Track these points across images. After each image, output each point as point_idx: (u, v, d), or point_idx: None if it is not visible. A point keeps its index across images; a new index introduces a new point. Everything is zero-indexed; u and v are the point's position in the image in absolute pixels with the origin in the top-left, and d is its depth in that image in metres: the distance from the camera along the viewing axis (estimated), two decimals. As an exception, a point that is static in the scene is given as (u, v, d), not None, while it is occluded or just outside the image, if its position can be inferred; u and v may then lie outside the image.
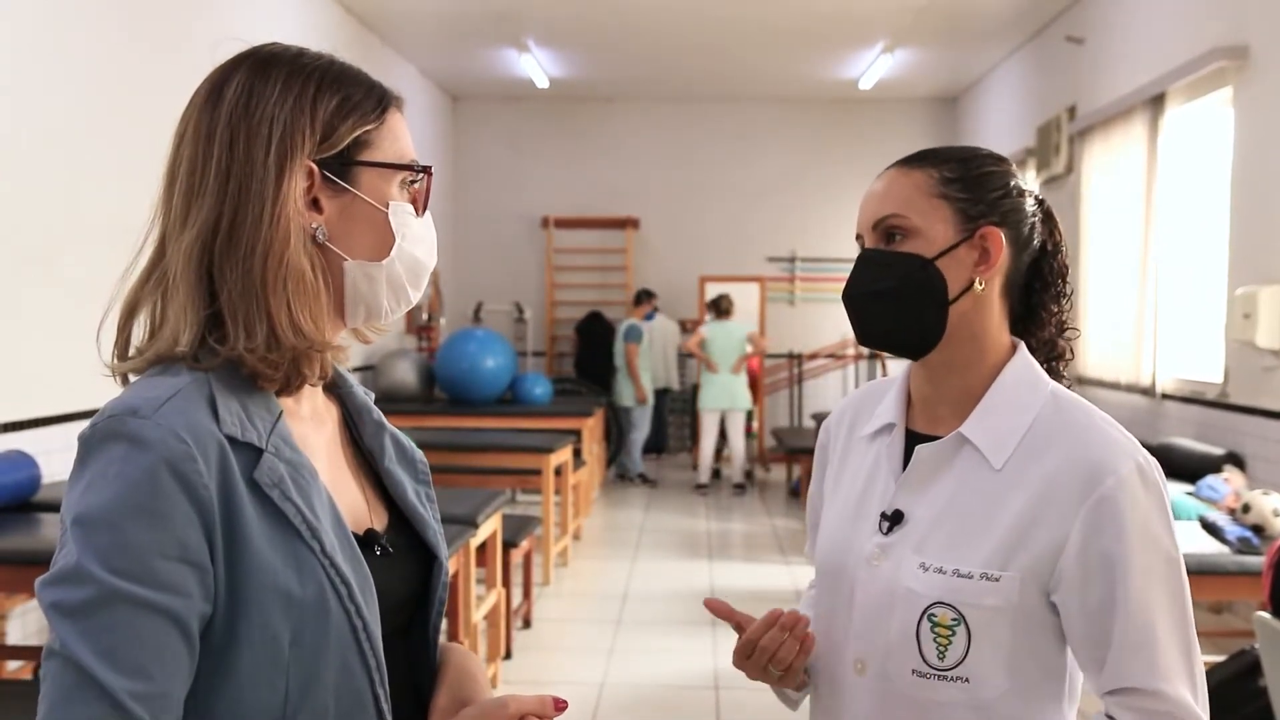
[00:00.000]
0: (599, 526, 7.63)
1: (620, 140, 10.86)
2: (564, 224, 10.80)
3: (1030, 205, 1.34)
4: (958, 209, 1.29)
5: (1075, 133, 7.22)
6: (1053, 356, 1.38)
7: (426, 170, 1.12)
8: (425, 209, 1.13)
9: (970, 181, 1.30)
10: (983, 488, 1.26)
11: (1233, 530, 3.51)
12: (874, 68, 9.21)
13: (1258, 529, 3.60)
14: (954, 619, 1.24)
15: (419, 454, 1.24)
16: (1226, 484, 4.11)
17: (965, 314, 1.30)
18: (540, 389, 7.91)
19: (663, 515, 8.01)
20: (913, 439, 1.34)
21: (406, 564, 1.14)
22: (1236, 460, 4.97)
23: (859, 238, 1.35)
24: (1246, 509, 3.67)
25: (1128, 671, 1.19)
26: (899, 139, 10.57)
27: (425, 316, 9.29)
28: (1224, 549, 3.43)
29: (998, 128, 9.28)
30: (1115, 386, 6.40)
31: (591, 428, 7.87)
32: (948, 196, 1.29)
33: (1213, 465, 4.85)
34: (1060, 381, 1.37)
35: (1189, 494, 4.31)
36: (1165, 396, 6.00)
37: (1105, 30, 7.01)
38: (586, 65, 9.52)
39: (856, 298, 1.33)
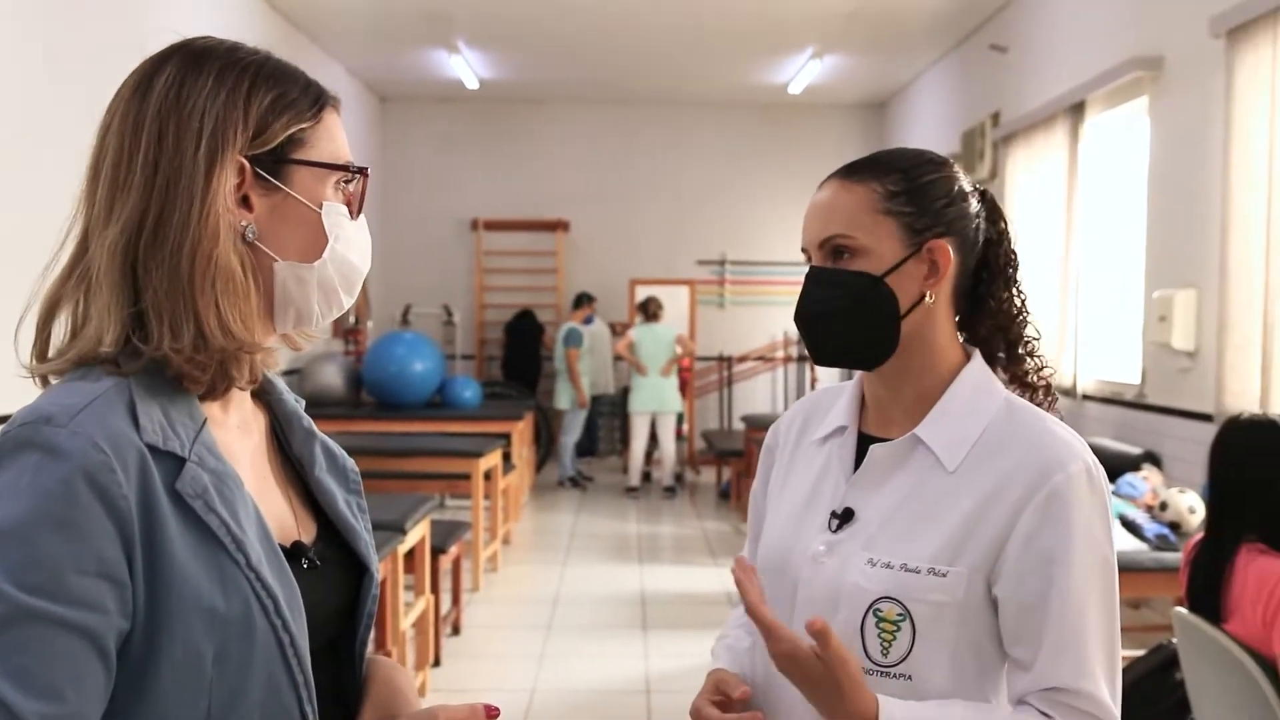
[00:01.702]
0: (529, 531, 7.60)
1: (551, 143, 10.82)
2: (494, 226, 10.73)
3: (974, 206, 1.35)
4: (903, 224, 1.29)
5: (999, 139, 7.36)
6: (1010, 340, 1.36)
7: (362, 172, 1.10)
8: (360, 212, 1.11)
9: (914, 193, 1.30)
10: (935, 488, 1.27)
11: (1151, 527, 3.59)
12: (803, 73, 9.30)
13: (1174, 526, 3.69)
14: (899, 614, 1.24)
15: (350, 463, 1.21)
16: (1145, 482, 4.21)
17: (917, 325, 1.31)
18: (469, 392, 7.85)
19: (593, 519, 8.00)
20: (866, 442, 1.35)
21: (336, 576, 1.11)
22: (1154, 459, 5.09)
23: (805, 251, 1.35)
24: (1164, 507, 3.76)
25: (1056, 669, 1.21)
26: (828, 144, 10.68)
27: (352, 319, 9.16)
28: (1142, 546, 3.51)
29: (924, 133, 9.43)
30: (1038, 388, 6.53)
31: (521, 431, 7.83)
32: (892, 212, 1.29)
33: (1131, 464, 4.97)
34: (1035, 396, 1.35)
35: (1110, 492, 4.41)
36: (1086, 397, 6.14)
37: (1028, 39, 7.15)
38: (517, 67, 9.47)
39: (809, 317, 1.33)
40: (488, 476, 6.34)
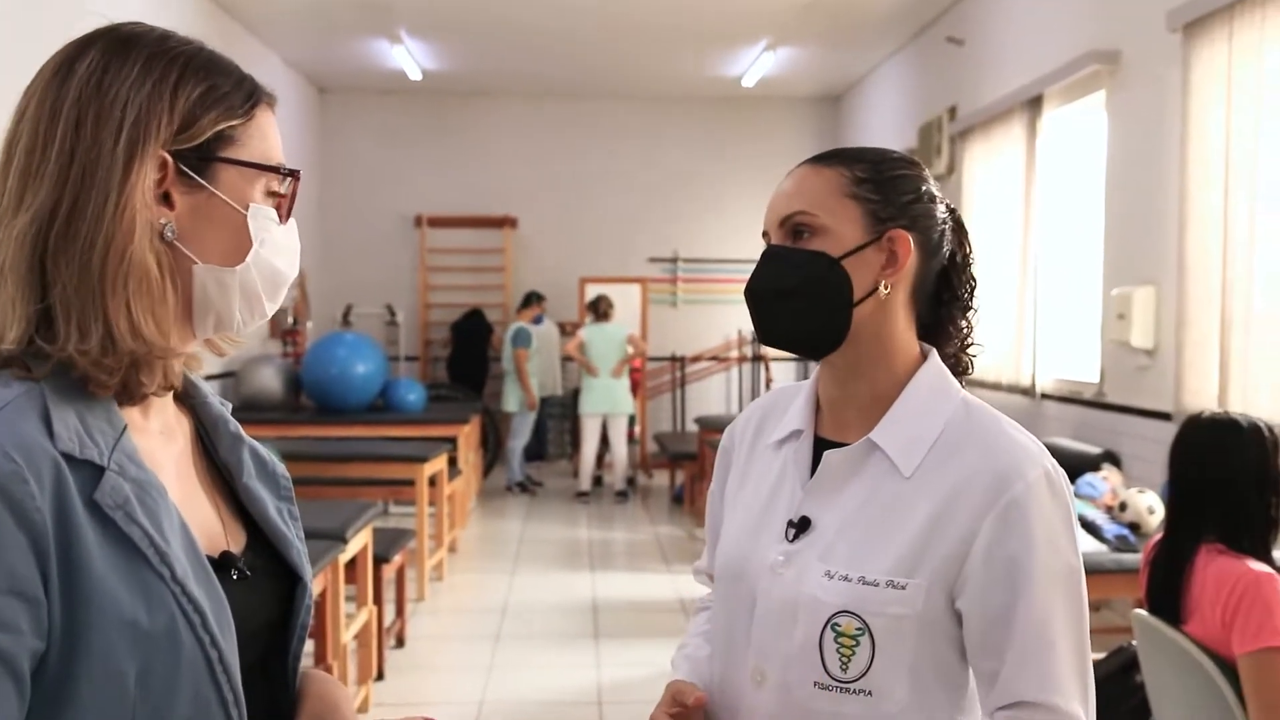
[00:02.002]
0: (476, 538, 7.56)
1: (498, 136, 10.78)
2: (438, 223, 10.67)
3: (941, 212, 1.36)
4: (867, 210, 1.30)
5: (956, 133, 7.44)
6: (955, 370, 1.40)
7: (294, 174, 1.08)
8: (289, 216, 1.09)
9: (882, 183, 1.31)
10: (892, 495, 1.27)
11: (1110, 528, 3.64)
12: (757, 65, 9.34)
13: (1134, 527, 3.75)
14: (858, 629, 1.24)
15: (281, 468, 1.20)
16: (1104, 482, 4.27)
17: (869, 317, 1.31)
18: (413, 395, 7.80)
19: (542, 525, 7.97)
20: (821, 446, 1.35)
21: (267, 587, 1.09)
22: (1113, 459, 5.17)
23: (765, 234, 1.35)
24: (1123, 507, 3.82)
25: (1021, 683, 1.21)
26: (783, 138, 10.73)
27: (291, 320, 9.07)
28: (1102, 547, 3.55)
29: (880, 127, 9.51)
30: (996, 387, 6.60)
31: (467, 435, 7.79)
32: (858, 197, 1.30)
33: (1091, 464, 5.04)
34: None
35: (1068, 494, 4.46)
36: (1045, 396, 6.22)
37: (984, 32, 7.23)
38: (462, 57, 9.41)
39: (759, 294, 1.33)
40: (433, 482, 6.30)
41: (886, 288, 1.30)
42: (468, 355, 10.30)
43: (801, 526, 1.31)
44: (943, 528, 1.23)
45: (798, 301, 1.30)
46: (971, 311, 1.39)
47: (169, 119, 0.98)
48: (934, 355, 1.35)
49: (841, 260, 1.29)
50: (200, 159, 1.01)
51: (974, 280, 1.39)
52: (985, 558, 1.21)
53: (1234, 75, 4.37)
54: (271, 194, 1.06)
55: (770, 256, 1.32)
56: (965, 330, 1.39)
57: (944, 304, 1.38)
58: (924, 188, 1.34)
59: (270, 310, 1.08)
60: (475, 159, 10.76)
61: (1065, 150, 6.23)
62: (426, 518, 5.97)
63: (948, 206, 1.37)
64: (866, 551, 1.26)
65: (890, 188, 1.31)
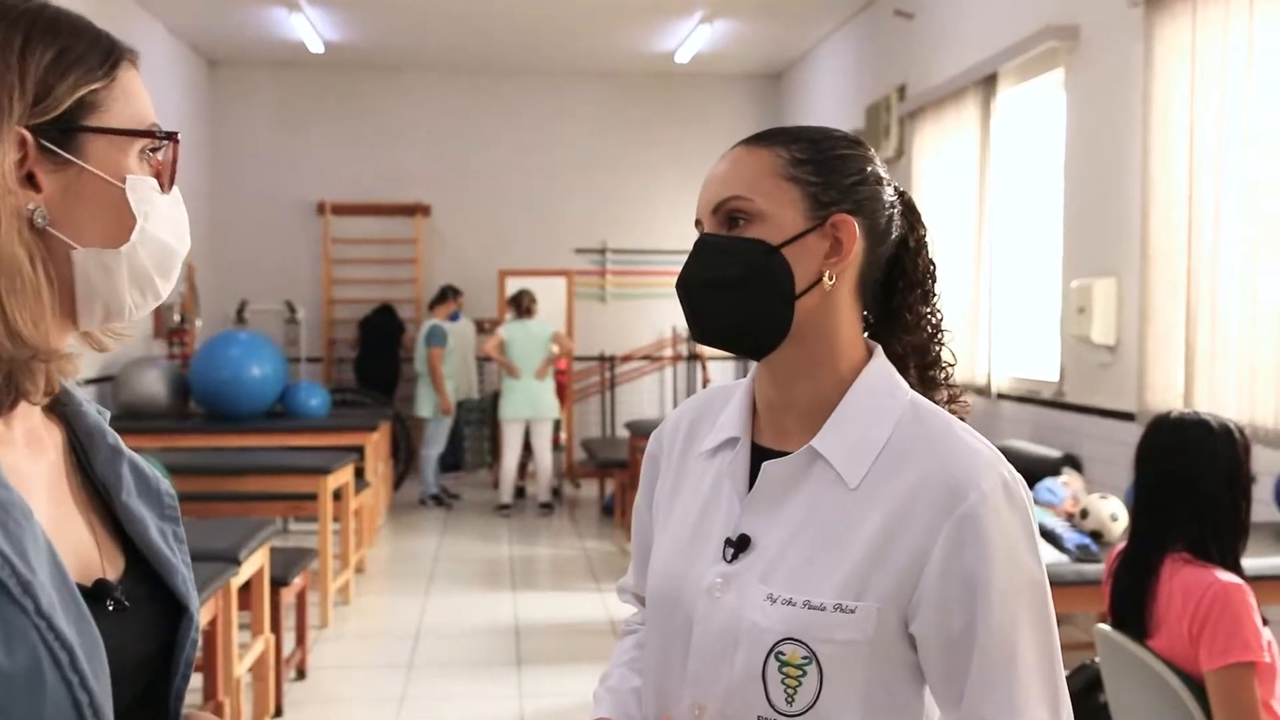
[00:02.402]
0: (386, 557, 7.50)
1: (409, 116, 10.70)
2: (343, 210, 10.56)
3: (889, 195, 1.35)
4: (808, 193, 1.29)
5: (905, 114, 7.52)
6: (927, 363, 1.40)
7: (171, 137, 1.05)
8: (172, 184, 1.06)
9: (823, 164, 1.31)
10: (837, 508, 1.27)
11: (1071, 537, 3.69)
12: (691, 39, 9.37)
13: (1096, 535, 3.81)
14: (804, 657, 1.24)
15: (165, 485, 1.16)
16: (1065, 488, 4.33)
17: (813, 311, 1.30)
18: (316, 400, 7.72)
19: (460, 541, 7.93)
20: (759, 455, 1.34)
21: (147, 619, 1.06)
22: (1074, 462, 5.26)
23: (698, 222, 1.35)
24: (1085, 514, 3.87)
25: (984, 707, 1.21)
26: (720, 118, 10.78)
27: (177, 318, 8.91)
28: (1063, 558, 3.60)
29: (825, 107, 9.58)
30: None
31: (376, 444, 7.73)
32: (798, 179, 1.29)
33: (1050, 468, 5.12)
34: (944, 393, 1.39)
35: (1027, 501, 4.52)
36: (1001, 396, 6.31)
37: (935, 5, 7.33)
38: (369, 28, 9.32)
39: (692, 287, 1.32)
40: (338, 496, 6.23)
41: (831, 278, 1.29)
42: (377, 356, 10.21)
43: (740, 545, 1.30)
44: (893, 544, 1.23)
45: (734, 295, 1.29)
46: (934, 298, 1.39)
47: (20, 91, 0.95)
48: (879, 352, 1.34)
49: (781, 248, 1.28)
50: (63, 131, 0.98)
51: (933, 264, 1.40)
52: (940, 575, 1.21)
53: (1198, 52, 4.46)
54: (148, 161, 1.04)
55: (703, 246, 1.31)
56: (929, 318, 1.39)
57: (898, 292, 1.38)
58: (869, 168, 1.33)
59: (164, 291, 1.06)
60: (384, 140, 10.67)
61: (1021, 132, 6.33)
62: (330, 535, 5.90)
63: (896, 189, 1.37)
64: (812, 572, 1.25)
65: (832, 169, 1.31)
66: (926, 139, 7.19)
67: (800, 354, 1.31)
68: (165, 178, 1.05)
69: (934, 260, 1.40)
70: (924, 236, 1.39)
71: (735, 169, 1.31)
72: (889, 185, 1.36)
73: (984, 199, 6.38)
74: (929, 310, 1.39)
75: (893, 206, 1.35)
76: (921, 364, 1.39)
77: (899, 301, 1.38)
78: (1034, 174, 6.23)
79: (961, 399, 1.40)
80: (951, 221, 6.70)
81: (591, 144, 10.89)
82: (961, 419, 1.36)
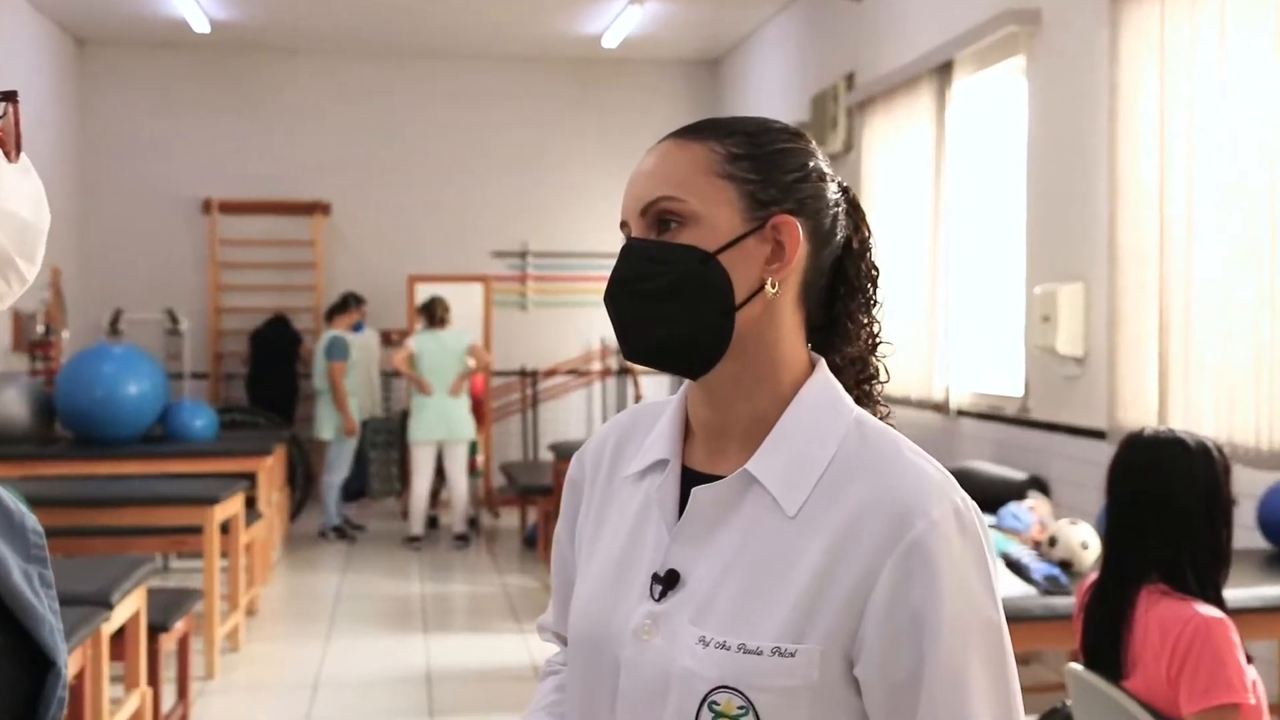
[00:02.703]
0: (281, 597, 7.43)
1: (306, 104, 10.64)
2: (232, 209, 10.47)
3: (833, 192, 1.36)
4: (745, 192, 1.29)
5: (854, 104, 7.59)
6: (864, 378, 1.40)
7: (10, 98, 1.02)
8: (19, 152, 1.04)
9: (762, 160, 1.31)
10: (774, 538, 1.27)
11: (1039, 567, 3.72)
12: (620, 21, 9.38)
13: (1066, 565, 3.84)
14: (740, 707, 1.23)
15: (31, 521, 1.13)
16: (1031, 513, 4.37)
17: (755, 322, 1.30)
18: (201, 421, 7.64)
19: (365, 578, 7.88)
20: (691, 479, 1.34)
21: (8, 674, 1.04)
22: (1041, 485, 5.32)
23: (624, 225, 1.34)
24: (1053, 542, 3.91)
25: None
26: (652, 109, 10.81)
27: (41, 328, 8.74)
28: (1029, 590, 3.63)
29: (767, 97, 9.64)
30: (905, 402, 6.74)
31: (270, 470, 7.65)
32: (734, 177, 1.29)
33: (1015, 491, 5.17)
34: (875, 409, 1.39)
35: (990, 525, 4.54)
36: (961, 413, 6.37)
37: (885, -15, 7.40)
38: (261, 6, 9.25)
39: (620, 299, 1.31)
40: (225, 529, 6.15)
41: (774, 286, 1.29)
42: (271, 371, 10.11)
43: (669, 581, 1.30)
44: (835, 578, 1.23)
45: (667, 307, 1.28)
46: (876, 306, 1.40)
47: None
48: (822, 365, 1.35)
49: (718, 254, 1.28)
50: None
51: (876, 269, 1.40)
52: (885, 613, 1.21)
53: (1167, 38, 4.54)
54: None
55: (630, 252, 1.31)
56: (869, 328, 1.40)
57: (839, 299, 1.38)
58: (812, 164, 1.34)
59: (29, 274, 1.05)
60: (278, 131, 10.60)
61: (980, 125, 6.40)
62: (217, 574, 5.81)
63: (840, 185, 1.38)
64: (748, 611, 1.25)
65: (771, 165, 1.31)
66: (877, 131, 7.25)
67: (739, 370, 1.31)
68: (10, 145, 1.03)
69: (877, 265, 1.41)
70: (868, 239, 1.40)
71: (664, 165, 1.31)
72: (833, 182, 1.37)
73: (939, 197, 6.45)
74: (869, 320, 1.40)
75: (837, 205, 1.36)
76: (860, 378, 1.40)
77: (840, 309, 1.39)
78: (993, 170, 6.31)
79: (890, 418, 1.40)
80: (904, 222, 6.76)
81: (511, 136, 10.88)
82: None
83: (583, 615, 1.38)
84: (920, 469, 1.26)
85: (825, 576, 1.23)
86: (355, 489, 10.12)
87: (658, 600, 1.30)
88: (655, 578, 1.31)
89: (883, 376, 1.42)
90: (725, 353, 1.29)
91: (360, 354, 9.43)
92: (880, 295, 1.40)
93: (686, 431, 1.39)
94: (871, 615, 1.21)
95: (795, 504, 1.26)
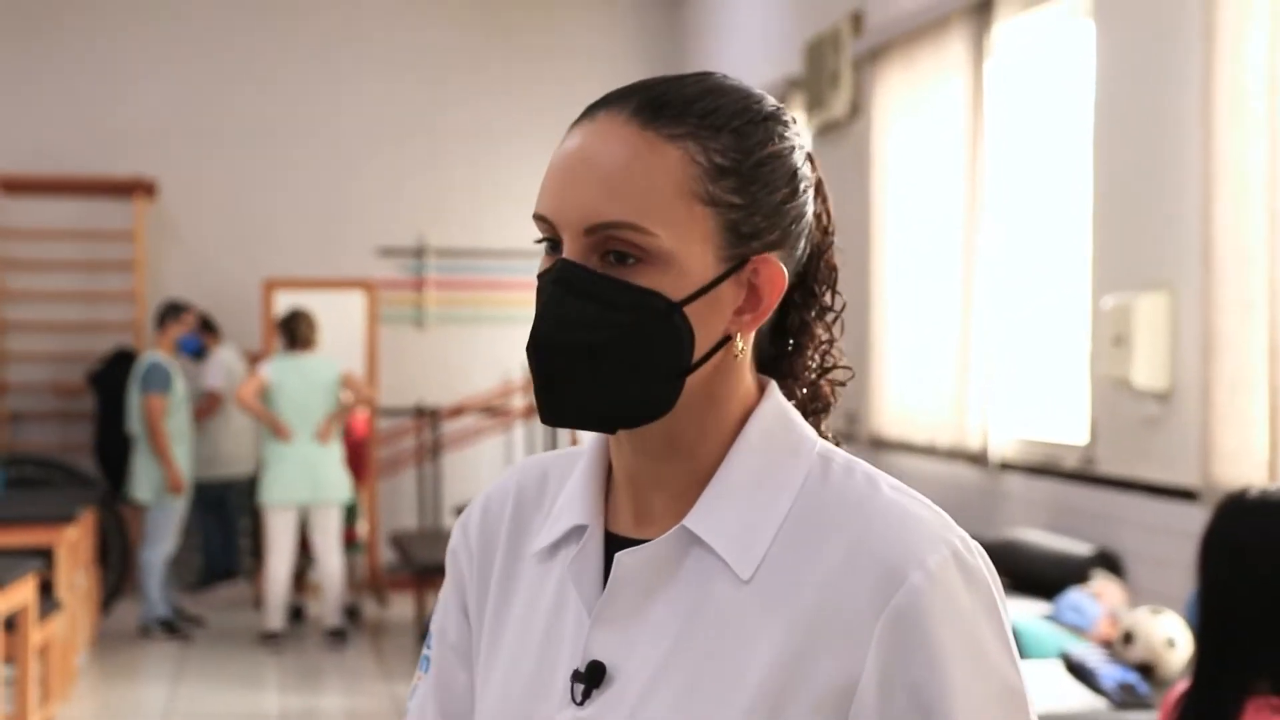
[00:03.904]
0: (89, 717, 7.38)
1: (121, 54, 10.66)
2: (21, 187, 10.46)
3: (811, 196, 1.36)
4: (726, 223, 1.29)
5: (863, 55, 7.59)
6: (815, 407, 1.42)
7: None
8: None
9: (750, 174, 1.30)
10: (726, 611, 1.28)
11: (1110, 673, 3.73)
12: (549, -60, 9.38)
13: (1146, 669, 3.85)
14: None
15: None
16: (1098, 601, 4.38)
17: (707, 380, 1.32)
18: (-20, 478, 7.54)
19: (205, 690, 7.83)
20: (617, 547, 1.35)
21: None
22: (1111, 562, 5.31)
23: (543, 223, 1.32)
24: (1128, 639, 3.91)
25: None
26: (597, 59, 10.84)
27: None
28: (1099, 703, 3.63)
29: (746, 45, 9.66)
30: (928, 451, 6.74)
31: (73, 544, 7.60)
32: (718, 201, 1.29)
33: (1077, 571, 5.17)
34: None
35: (1045, 618, 4.54)
36: (1005, 467, 6.36)
37: (904, -104, 7.44)
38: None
39: (554, 350, 1.30)
40: (10, 625, 6.06)
41: (741, 343, 1.32)
42: (105, 410, 9.96)
43: (594, 678, 1.31)
44: (808, 659, 1.24)
45: (608, 366, 1.29)
46: (829, 315, 1.42)
47: None
48: (774, 390, 1.37)
49: (684, 305, 1.28)
50: None
51: (833, 269, 1.42)
52: (879, 699, 1.22)
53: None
54: None
55: (569, 286, 1.29)
56: (826, 343, 1.43)
57: (794, 308, 1.40)
58: (798, 169, 1.34)
59: None
60: (84, 87, 10.60)
61: (1030, 83, 6.42)
62: (1, 686, 5.72)
63: (808, 160, 1.38)
64: (697, 707, 1.27)
65: (760, 181, 1.31)
66: (893, 91, 7.26)
67: (679, 425, 1.33)
68: None
69: (836, 264, 1.42)
70: (830, 229, 1.41)
71: (629, 173, 1.29)
72: (811, 180, 1.37)
73: (975, 180, 6.45)
74: (829, 337, 1.42)
75: (814, 214, 1.38)
76: (810, 408, 1.42)
77: (793, 321, 1.41)
78: (1048, 144, 6.32)
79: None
80: (929, 212, 6.77)
81: (402, 94, 10.89)
82: None
83: None
84: (905, 509, 1.29)
85: (794, 659, 1.25)
86: (221, 567, 10.05)
87: (580, 704, 1.31)
88: (576, 675, 1.32)
89: (830, 401, 1.44)
90: (666, 414, 1.31)
91: (226, 384, 9.42)
92: (837, 301, 1.42)
93: (609, 487, 1.40)
94: (862, 703, 1.23)
95: (749, 565, 1.28)
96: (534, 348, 1.31)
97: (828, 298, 1.41)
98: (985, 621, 1.25)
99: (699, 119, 1.30)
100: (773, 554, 1.28)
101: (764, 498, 1.30)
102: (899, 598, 1.22)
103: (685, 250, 1.28)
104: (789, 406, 1.36)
